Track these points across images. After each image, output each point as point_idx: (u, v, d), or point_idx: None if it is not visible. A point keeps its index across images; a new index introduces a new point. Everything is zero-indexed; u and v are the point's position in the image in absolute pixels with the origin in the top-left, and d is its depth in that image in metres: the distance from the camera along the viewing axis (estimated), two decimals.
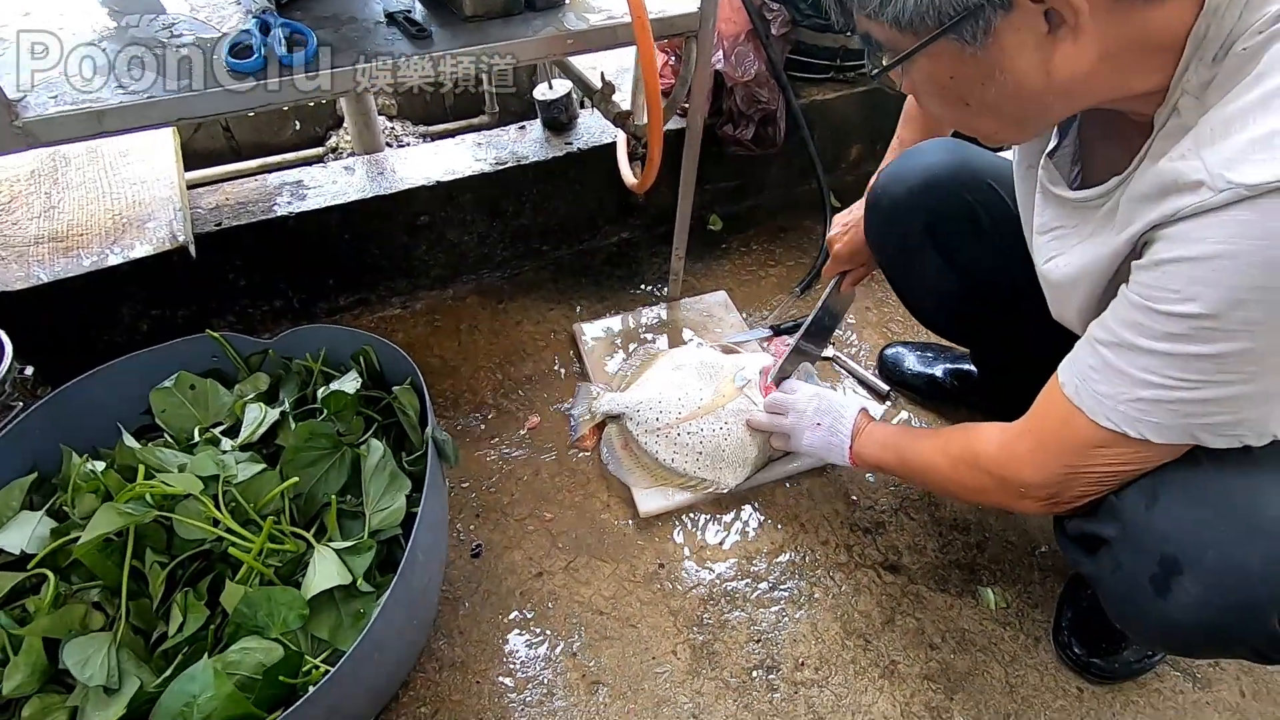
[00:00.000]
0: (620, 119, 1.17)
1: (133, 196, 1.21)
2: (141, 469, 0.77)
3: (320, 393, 0.97)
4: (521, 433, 1.26)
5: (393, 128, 1.85)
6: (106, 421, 0.99)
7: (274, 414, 0.90)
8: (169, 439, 0.91)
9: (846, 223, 1.13)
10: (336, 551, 0.77)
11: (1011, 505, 0.77)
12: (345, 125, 1.76)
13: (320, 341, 1.07)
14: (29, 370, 0.98)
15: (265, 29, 0.88)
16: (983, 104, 0.61)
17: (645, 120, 1.11)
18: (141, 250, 1.10)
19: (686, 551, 1.09)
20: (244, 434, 0.88)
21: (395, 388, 0.99)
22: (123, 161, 1.29)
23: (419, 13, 0.96)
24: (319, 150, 1.72)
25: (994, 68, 0.57)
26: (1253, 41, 0.50)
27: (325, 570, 0.74)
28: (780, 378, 1.17)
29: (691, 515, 1.14)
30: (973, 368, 1.25)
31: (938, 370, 1.29)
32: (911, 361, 1.33)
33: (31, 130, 0.74)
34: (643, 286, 1.55)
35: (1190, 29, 0.52)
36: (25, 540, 0.76)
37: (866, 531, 1.12)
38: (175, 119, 0.81)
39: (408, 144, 1.83)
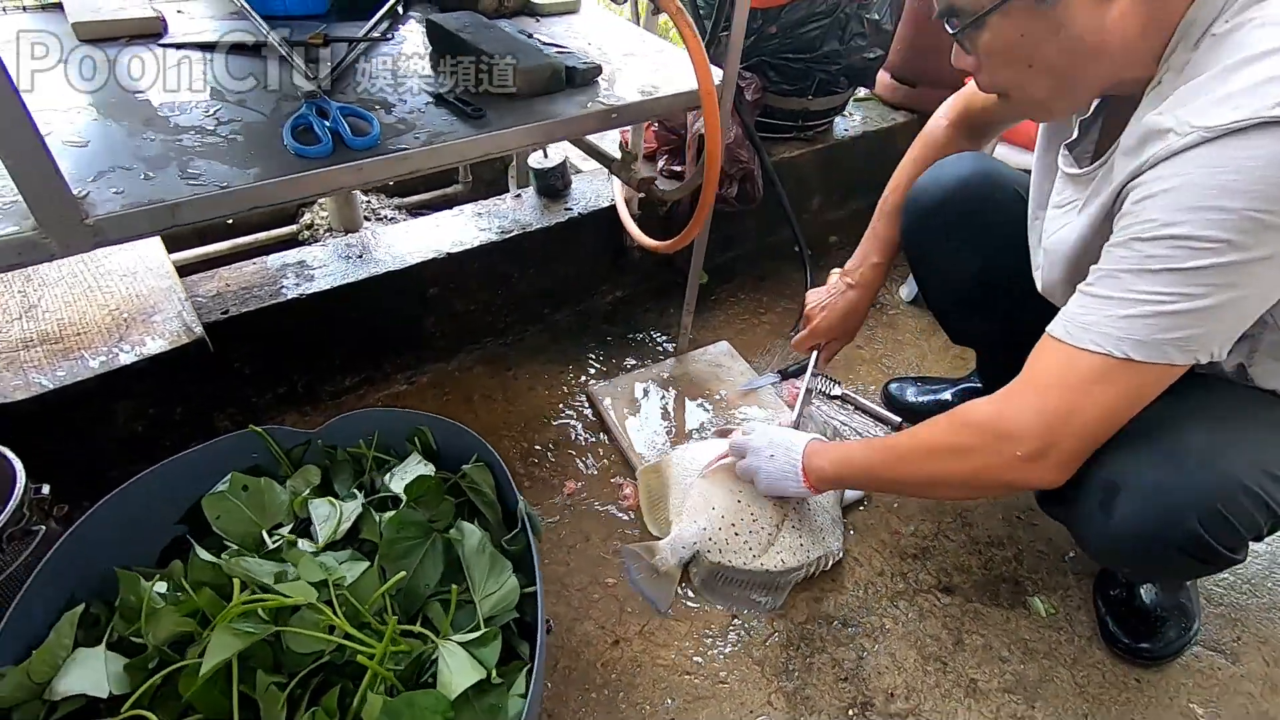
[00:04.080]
0: (645, 183, 1.22)
1: (127, 289, 1.13)
2: (236, 583, 0.71)
3: (389, 480, 0.93)
4: (562, 500, 1.24)
5: (369, 201, 1.81)
6: (144, 538, 0.91)
7: (354, 507, 0.85)
8: (233, 546, 0.84)
9: (821, 300, 1.23)
10: (463, 645, 0.73)
11: (1003, 470, 0.77)
12: (320, 202, 1.70)
13: (367, 426, 1.02)
14: (45, 489, 0.88)
15: (322, 113, 0.87)
16: (1044, 63, 0.71)
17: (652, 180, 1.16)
18: (156, 346, 1.02)
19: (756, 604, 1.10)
20: (325, 533, 0.83)
21: (465, 466, 0.96)
22: (103, 253, 1.20)
23: (461, 93, 0.98)
24: (293, 228, 1.66)
25: (1059, 24, 0.67)
26: (1222, 29, 0.63)
27: (459, 667, 0.70)
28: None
29: None
30: (976, 385, 1.36)
31: (946, 395, 1.39)
32: (913, 392, 1.42)
33: (103, 229, 0.69)
34: (645, 342, 1.58)
35: (1183, 15, 0.65)
36: (105, 681, 0.67)
37: (915, 558, 1.18)
38: (250, 208, 0.77)
39: (387, 217, 1.79)
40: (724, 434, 1.25)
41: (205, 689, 0.66)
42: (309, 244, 1.67)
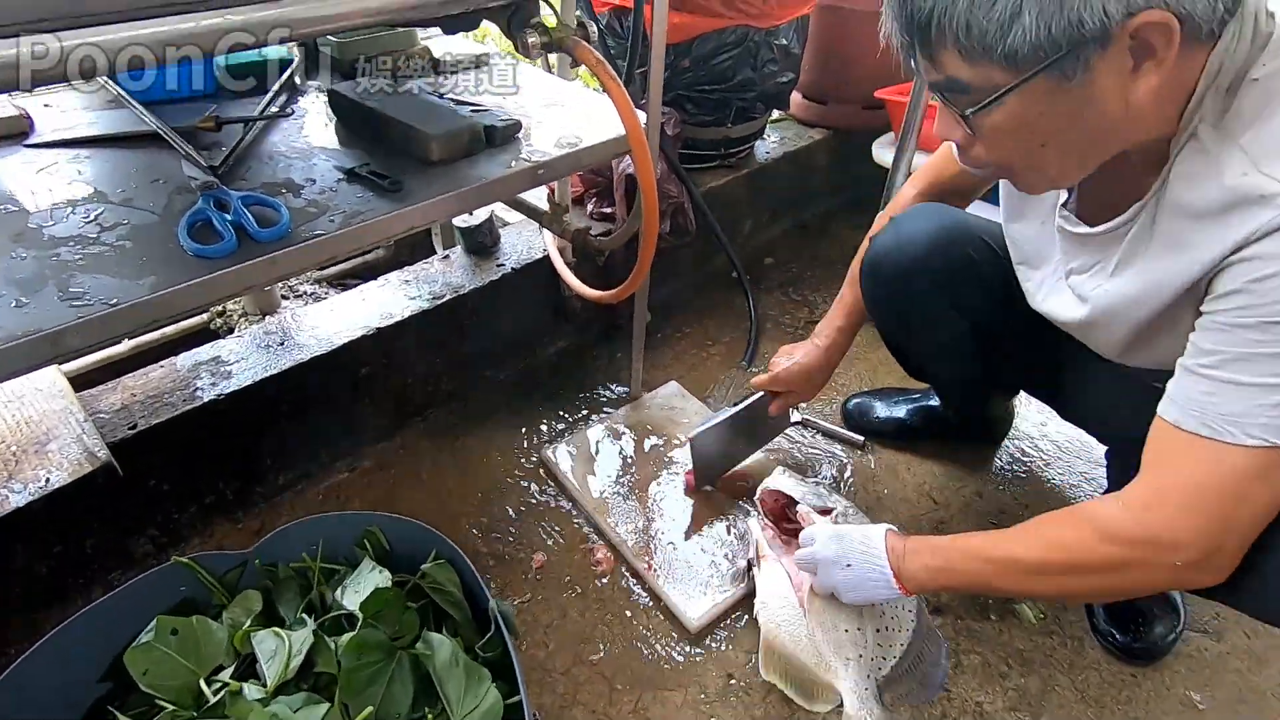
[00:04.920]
0: (579, 235, 1.17)
1: (13, 417, 1.00)
2: None
3: (340, 595, 0.84)
4: (531, 575, 1.16)
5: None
6: (62, 704, 0.79)
7: (304, 636, 0.76)
8: (165, 705, 0.73)
9: (791, 352, 1.19)
10: None
11: (1163, 581, 0.72)
12: None
13: (309, 536, 0.93)
14: None
15: (221, 205, 0.79)
16: (1059, 141, 0.65)
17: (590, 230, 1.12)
18: (56, 479, 0.91)
19: (748, 657, 1.06)
20: (274, 673, 0.73)
21: (424, 566, 0.88)
22: None
23: (374, 165, 0.91)
24: (202, 318, 1.54)
25: (1084, 102, 0.61)
26: (1263, 71, 0.59)
27: None
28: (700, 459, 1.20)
29: (736, 616, 1.11)
30: (933, 403, 1.36)
31: (901, 411, 1.39)
32: (878, 408, 1.42)
33: None
34: (594, 390, 1.53)
35: (1203, 66, 0.60)
36: None
37: None
38: (149, 322, 0.69)
39: (306, 294, 1.69)
40: (754, 563, 1.10)
41: None
42: (222, 334, 1.56)
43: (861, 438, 1.39)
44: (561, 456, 1.34)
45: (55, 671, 0.78)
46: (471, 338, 1.43)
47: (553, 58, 1.34)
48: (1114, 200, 0.72)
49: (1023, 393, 1.33)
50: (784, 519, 1.13)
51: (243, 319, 1.54)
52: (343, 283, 1.76)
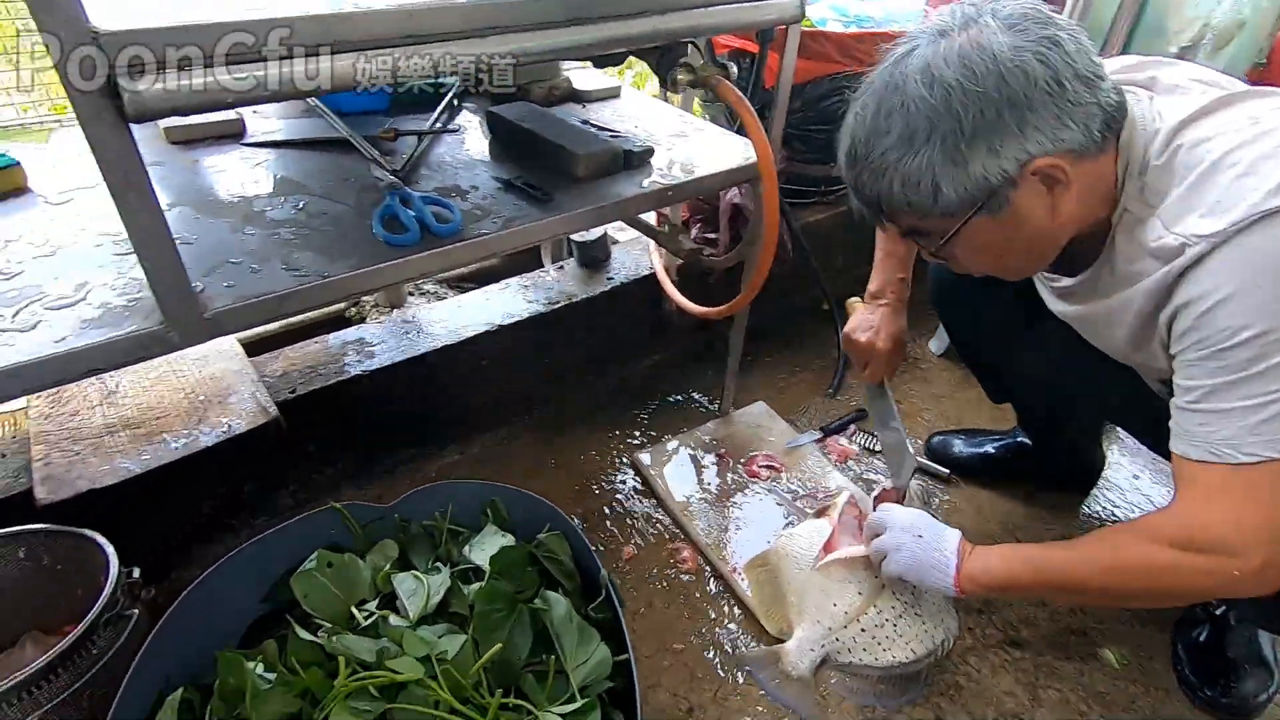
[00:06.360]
0: (693, 253, 1.27)
1: (200, 373, 1.17)
2: (342, 661, 0.72)
3: (469, 551, 0.95)
4: (621, 566, 1.24)
5: None
6: (230, 619, 0.92)
7: (442, 580, 0.87)
8: (324, 623, 0.85)
9: (862, 327, 1.21)
10: (564, 717, 0.74)
11: (1216, 582, 0.75)
12: None
13: (440, 499, 1.04)
14: (136, 573, 0.90)
15: (405, 202, 0.92)
16: (1014, 249, 0.81)
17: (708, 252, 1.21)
18: (237, 426, 1.05)
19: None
20: (415, 607, 0.84)
21: (540, 535, 0.97)
22: None
23: (527, 178, 1.04)
24: (340, 306, 1.71)
25: (1019, 223, 0.76)
26: (1160, 160, 0.74)
27: None
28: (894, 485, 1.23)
29: None
30: (1024, 439, 1.38)
31: (990, 448, 1.41)
32: (959, 445, 1.44)
33: (219, 321, 0.73)
34: (686, 404, 1.61)
35: (1115, 162, 0.77)
36: None
37: (980, 612, 1.18)
38: (346, 295, 0.82)
39: (430, 292, 1.85)
40: (822, 512, 1.21)
41: None
42: (355, 322, 1.73)
43: (947, 470, 1.42)
44: (652, 460, 1.42)
45: (228, 590, 0.91)
46: (578, 344, 1.54)
47: (675, 98, 1.46)
48: (1079, 260, 0.86)
49: (1116, 452, 1.33)
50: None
51: (374, 309, 1.70)
52: (459, 285, 1.92)
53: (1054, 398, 1.19)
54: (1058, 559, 0.88)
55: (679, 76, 0.94)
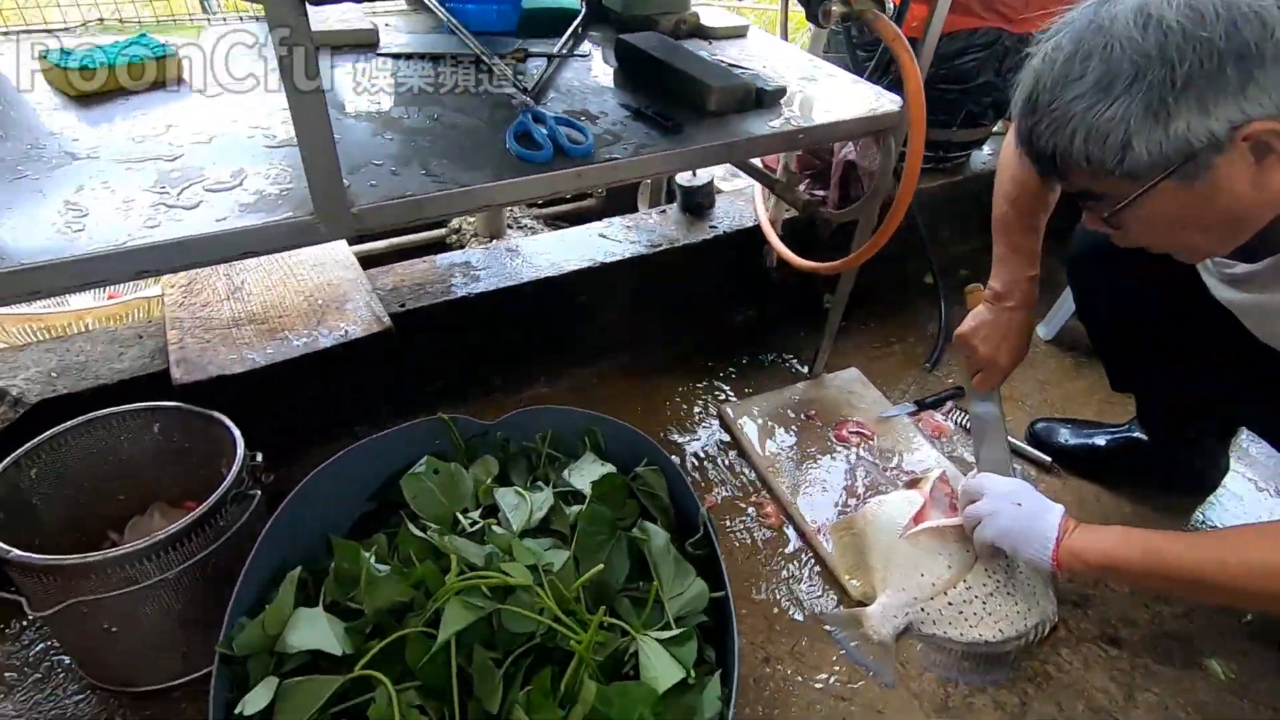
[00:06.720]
0: (811, 204, 1.23)
1: (319, 278, 1.21)
2: (454, 558, 0.74)
3: (568, 475, 0.96)
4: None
5: (511, 210, 1.88)
6: (341, 510, 0.96)
7: (545, 498, 0.88)
8: (430, 525, 0.87)
9: (982, 330, 1.14)
10: (661, 643, 0.74)
11: None
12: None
13: (542, 422, 1.06)
14: (259, 457, 0.94)
15: (538, 120, 0.91)
16: (1194, 226, 0.72)
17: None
18: (355, 331, 1.09)
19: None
20: (518, 520, 0.85)
21: (638, 469, 0.98)
22: None
23: (656, 108, 1.01)
24: (441, 232, 1.74)
25: (1213, 195, 0.67)
26: None
27: (662, 664, 0.71)
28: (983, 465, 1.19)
29: None
30: (1139, 435, 1.30)
31: (1100, 440, 1.33)
32: (1065, 434, 1.37)
33: (363, 218, 0.75)
34: (776, 362, 1.58)
35: None
36: (335, 640, 0.71)
37: (1076, 605, 1.13)
38: (480, 206, 0.82)
39: (527, 226, 1.87)
40: (914, 484, 1.19)
41: (428, 658, 0.69)
42: (454, 248, 1.75)
43: (1049, 459, 1.35)
44: (740, 414, 1.41)
45: (341, 482, 0.95)
46: (676, 289, 1.53)
47: (804, 38, 1.40)
48: (1266, 244, 0.75)
49: (1241, 462, 1.23)
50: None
51: (474, 239, 1.72)
52: (555, 223, 1.92)
53: (1194, 393, 1.10)
54: (1173, 547, 0.85)
55: (832, 8, 0.89)
